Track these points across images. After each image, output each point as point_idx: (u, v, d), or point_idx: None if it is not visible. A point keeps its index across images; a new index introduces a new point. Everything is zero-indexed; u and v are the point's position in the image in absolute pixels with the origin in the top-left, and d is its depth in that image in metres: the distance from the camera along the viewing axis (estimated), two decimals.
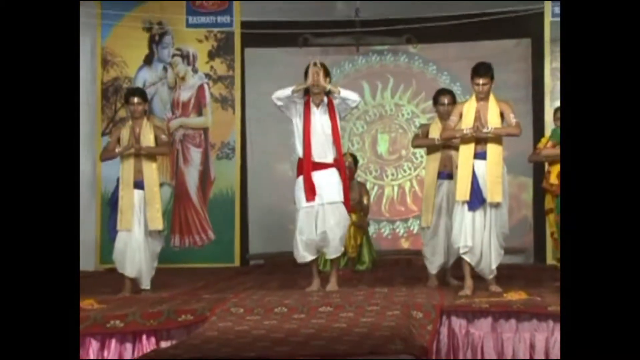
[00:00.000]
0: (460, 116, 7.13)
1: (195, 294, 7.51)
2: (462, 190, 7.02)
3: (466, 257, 7.05)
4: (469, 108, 7.11)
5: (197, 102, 10.92)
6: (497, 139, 7.04)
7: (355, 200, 8.96)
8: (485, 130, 6.98)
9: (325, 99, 7.29)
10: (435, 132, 7.81)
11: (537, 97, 10.53)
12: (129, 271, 7.68)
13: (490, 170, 7.00)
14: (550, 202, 8.08)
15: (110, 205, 9.13)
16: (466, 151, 7.07)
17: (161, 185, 8.65)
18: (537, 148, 8.50)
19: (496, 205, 7.02)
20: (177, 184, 10.85)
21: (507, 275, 7.88)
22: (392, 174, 11.12)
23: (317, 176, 7.25)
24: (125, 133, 7.76)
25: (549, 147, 7.68)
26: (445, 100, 7.85)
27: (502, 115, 7.08)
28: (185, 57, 10.92)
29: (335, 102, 7.28)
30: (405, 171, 11.11)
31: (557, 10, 10.08)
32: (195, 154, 10.87)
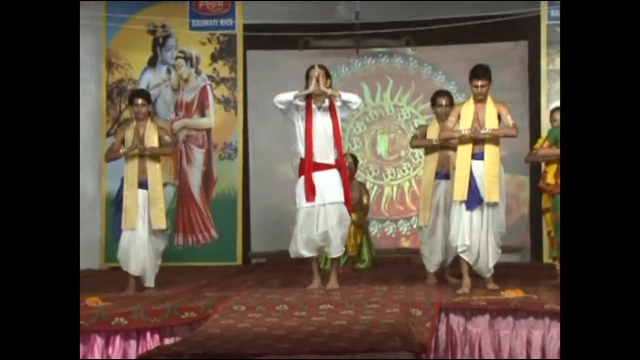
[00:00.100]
0: (459, 117, 7.15)
1: (198, 292, 7.52)
2: (460, 190, 7.05)
3: (464, 256, 7.08)
4: (467, 109, 7.14)
5: (200, 104, 10.94)
6: (494, 140, 7.07)
7: (355, 200, 8.94)
8: (483, 131, 7.01)
9: (327, 101, 7.32)
10: (433, 133, 7.85)
11: (533, 98, 10.54)
12: (133, 269, 7.71)
13: (487, 170, 7.03)
14: (547, 202, 8.07)
15: (115, 204, 9.15)
16: (464, 152, 7.09)
17: (165, 185, 8.69)
18: (533, 148, 8.49)
19: (493, 205, 7.05)
20: (181, 184, 10.87)
21: (504, 273, 7.87)
22: (392, 174, 11.13)
23: (319, 177, 7.29)
24: (129, 134, 7.79)
25: (546, 147, 7.68)
26: (443, 101, 7.88)
27: (499, 116, 7.10)
28: (188, 59, 10.94)
29: (337, 104, 7.32)
30: (404, 171, 11.12)
31: (553, 13, 10.18)
32: (198, 155, 10.89)
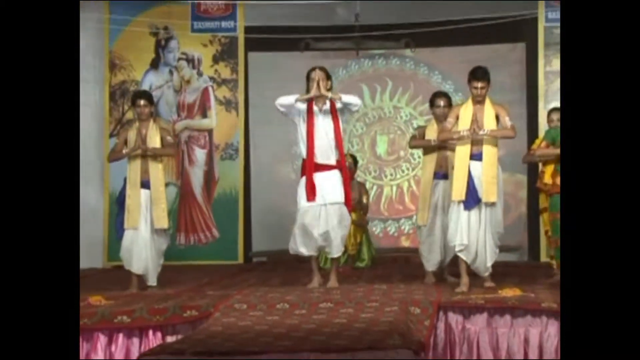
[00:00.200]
0: (457, 118, 7.18)
1: (200, 291, 7.53)
2: (458, 190, 7.07)
3: (462, 255, 7.11)
4: (465, 111, 7.17)
5: (202, 105, 10.95)
6: (492, 141, 7.09)
7: (355, 200, 8.93)
8: (481, 132, 7.04)
9: (328, 103, 7.36)
10: (431, 134, 7.88)
11: (531, 99, 10.56)
12: (136, 268, 7.74)
13: (485, 171, 7.06)
14: (544, 202, 8.09)
15: (118, 204, 9.21)
16: (462, 152, 7.12)
17: (167, 185, 8.71)
18: (531, 149, 8.52)
19: (491, 205, 7.08)
20: (183, 184, 10.88)
21: (502, 272, 7.89)
22: (391, 174, 11.14)
23: (320, 177, 7.32)
24: (132, 135, 7.81)
25: (543, 147, 7.70)
26: (441, 102, 7.91)
27: (497, 118, 7.13)
28: (190, 60, 10.95)
29: (338, 106, 7.35)
30: (403, 171, 11.13)
31: (551, 15, 10.24)
32: (200, 155, 10.91)
